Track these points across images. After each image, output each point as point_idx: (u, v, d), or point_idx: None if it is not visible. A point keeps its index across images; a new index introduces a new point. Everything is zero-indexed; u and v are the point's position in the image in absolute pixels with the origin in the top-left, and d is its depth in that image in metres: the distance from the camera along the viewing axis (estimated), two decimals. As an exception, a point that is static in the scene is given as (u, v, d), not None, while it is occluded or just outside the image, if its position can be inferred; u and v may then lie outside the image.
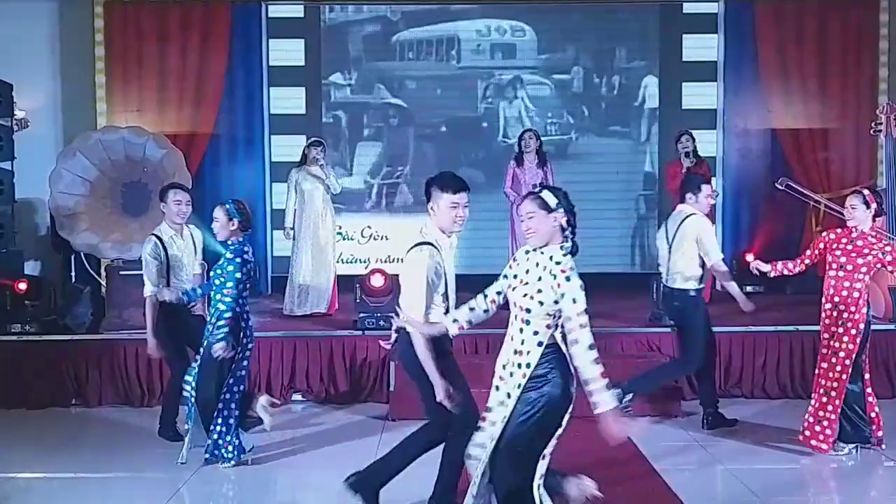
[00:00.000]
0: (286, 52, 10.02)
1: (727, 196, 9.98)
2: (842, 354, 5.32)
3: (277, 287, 9.65)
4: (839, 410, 5.34)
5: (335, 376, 7.00)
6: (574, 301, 3.47)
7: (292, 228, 8.02)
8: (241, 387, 5.39)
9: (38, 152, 8.47)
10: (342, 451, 5.77)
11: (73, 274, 8.42)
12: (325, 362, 7.02)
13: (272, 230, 9.94)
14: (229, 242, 5.31)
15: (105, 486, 5.19)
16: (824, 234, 5.56)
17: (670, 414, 6.45)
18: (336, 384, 6.99)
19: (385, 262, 9.62)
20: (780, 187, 8.04)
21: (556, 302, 3.50)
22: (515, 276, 3.69)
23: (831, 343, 5.37)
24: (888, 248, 5.28)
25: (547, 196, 3.63)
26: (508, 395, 3.61)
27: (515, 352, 3.60)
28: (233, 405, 5.31)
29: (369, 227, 10.12)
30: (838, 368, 5.32)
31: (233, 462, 5.31)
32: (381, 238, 10.10)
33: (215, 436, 5.29)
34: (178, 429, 5.87)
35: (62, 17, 9.42)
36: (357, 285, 7.30)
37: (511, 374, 3.61)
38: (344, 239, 9.75)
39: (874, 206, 5.30)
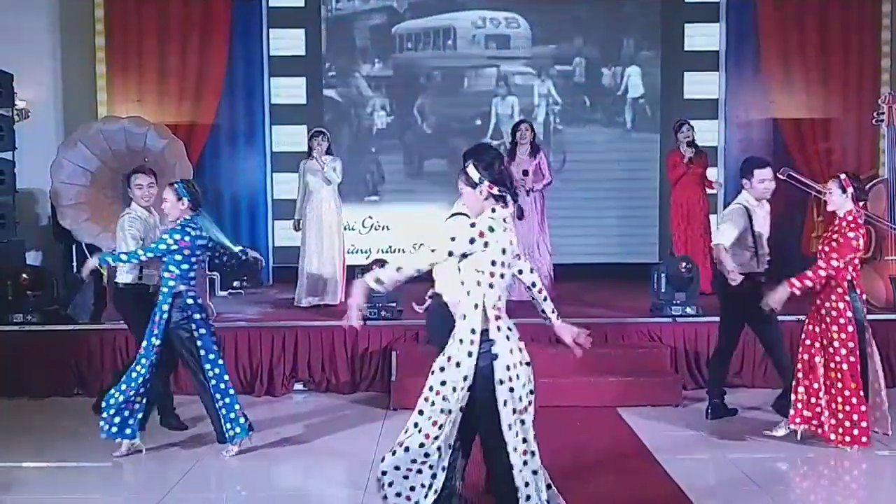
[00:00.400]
0: (287, 41, 10.01)
1: (728, 186, 9.96)
2: (836, 344, 5.30)
3: (279, 277, 9.68)
4: (856, 397, 5.27)
5: (336, 366, 7.01)
6: (446, 234, 3.58)
7: (299, 219, 8.01)
8: (222, 361, 5.39)
9: (39, 142, 8.47)
10: (343, 440, 5.79)
11: (74, 264, 8.42)
12: (326, 352, 7.03)
13: (273, 220, 9.95)
14: (178, 222, 5.27)
15: (107, 475, 5.21)
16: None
17: (671, 403, 6.46)
18: (337, 374, 7.00)
19: (386, 252, 9.62)
20: (781, 177, 8.02)
21: (469, 253, 3.54)
22: None
23: (815, 331, 5.37)
24: (833, 243, 5.23)
25: (471, 171, 3.64)
26: (458, 364, 3.58)
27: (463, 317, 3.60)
28: (225, 377, 5.34)
29: (370, 217, 10.12)
30: (837, 359, 5.30)
31: (246, 435, 5.36)
32: (383, 228, 10.09)
33: (224, 410, 5.31)
34: (179, 415, 5.92)
35: (63, 7, 9.40)
36: (359, 275, 7.28)
37: (460, 342, 3.58)
38: (346, 229, 9.73)
39: (851, 189, 5.28)
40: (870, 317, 6.83)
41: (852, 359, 5.28)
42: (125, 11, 9.37)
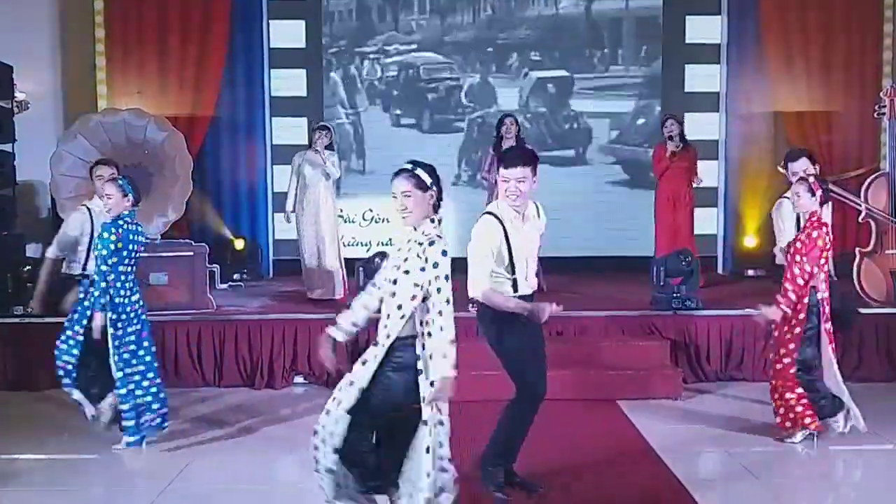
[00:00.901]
0: (287, 33, 9.99)
1: (729, 179, 9.97)
2: (788, 337, 5.29)
3: (279, 270, 9.68)
4: (790, 391, 5.29)
5: (336, 359, 6.99)
6: (435, 265, 3.49)
7: (293, 212, 8.00)
8: (135, 359, 5.34)
9: (38, 135, 8.47)
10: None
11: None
12: (326, 345, 7.02)
13: (273, 212, 9.94)
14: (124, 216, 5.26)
15: (107, 467, 5.21)
16: None
17: (671, 396, 6.47)
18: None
19: (387, 245, 9.61)
20: (782, 171, 8.03)
21: (422, 269, 3.51)
22: (391, 257, 3.72)
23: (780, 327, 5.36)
24: (799, 245, 5.20)
25: (422, 174, 3.61)
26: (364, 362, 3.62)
27: (384, 326, 3.60)
28: (131, 381, 5.30)
29: (371, 209, 10.12)
30: (782, 351, 5.32)
31: (133, 445, 5.35)
32: (383, 221, 10.09)
33: (127, 414, 5.29)
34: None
35: (62, -1, 9.40)
36: (360, 268, 7.29)
37: (381, 345, 3.60)
38: (346, 222, 9.75)
39: (819, 192, 5.27)
40: (870, 311, 6.92)
41: (792, 346, 5.27)
42: (125, 3, 9.38)
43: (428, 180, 3.61)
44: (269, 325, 7.07)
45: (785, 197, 5.70)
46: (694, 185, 8.33)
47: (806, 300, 5.23)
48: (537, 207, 4.44)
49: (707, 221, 9.51)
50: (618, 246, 9.84)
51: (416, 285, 3.53)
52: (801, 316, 5.24)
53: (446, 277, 3.49)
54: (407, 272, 3.55)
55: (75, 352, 5.40)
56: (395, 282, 3.58)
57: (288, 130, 9.85)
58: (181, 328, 7.02)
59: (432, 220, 3.63)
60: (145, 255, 7.05)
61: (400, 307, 3.56)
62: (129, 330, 5.34)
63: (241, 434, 5.66)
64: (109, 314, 5.24)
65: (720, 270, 9.65)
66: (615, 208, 9.98)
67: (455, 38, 10.16)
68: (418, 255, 3.54)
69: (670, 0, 10.07)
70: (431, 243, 3.53)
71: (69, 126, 8.58)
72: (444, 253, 3.52)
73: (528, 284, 4.32)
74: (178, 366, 6.96)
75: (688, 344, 7.01)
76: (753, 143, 9.85)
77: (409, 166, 3.65)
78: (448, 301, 3.48)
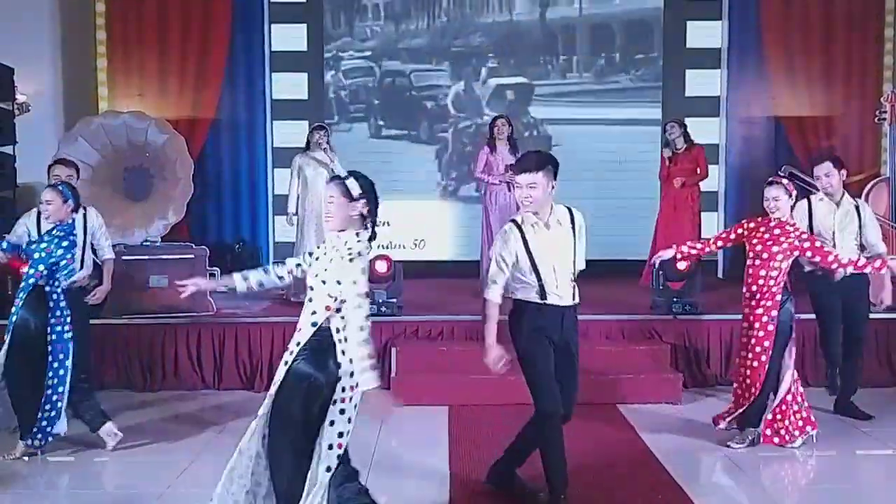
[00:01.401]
0: (288, 36, 10.00)
1: (729, 184, 9.98)
2: (758, 349, 5.28)
3: (279, 273, 9.66)
4: (776, 402, 5.33)
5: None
6: (354, 283, 3.47)
7: (295, 214, 7.99)
8: (69, 364, 5.16)
9: (39, 137, 8.45)
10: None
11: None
12: (326, 347, 7.02)
13: (274, 216, 9.95)
14: (65, 224, 5.13)
15: (107, 468, 5.21)
16: (744, 220, 5.47)
17: (671, 400, 6.46)
18: (337, 369, 6.99)
19: (387, 247, 9.61)
20: (782, 175, 8.04)
21: (338, 283, 3.49)
22: (315, 257, 3.68)
23: (749, 332, 5.33)
24: (804, 235, 5.23)
25: (351, 184, 3.60)
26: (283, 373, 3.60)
27: (298, 329, 3.61)
28: (62, 387, 5.13)
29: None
30: (754, 364, 5.29)
31: (39, 447, 5.20)
32: (383, 224, 10.03)
33: (45, 422, 5.11)
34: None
35: (63, 1, 9.38)
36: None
37: (290, 352, 3.62)
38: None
39: (794, 193, 5.30)
40: (870, 316, 6.91)
41: (763, 358, 5.26)
42: (126, 5, 9.40)
43: (356, 192, 3.58)
44: (268, 327, 7.07)
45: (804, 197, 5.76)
46: (676, 185, 8.30)
47: (779, 298, 5.22)
48: (571, 213, 4.32)
49: (708, 225, 9.50)
50: (614, 250, 9.84)
51: (330, 296, 3.52)
52: (774, 313, 5.22)
53: (365, 294, 3.47)
54: (324, 282, 3.53)
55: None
56: (312, 289, 3.57)
57: (289, 133, 9.84)
58: (181, 331, 7.02)
59: (358, 233, 3.58)
60: (146, 257, 7.15)
61: (314, 313, 3.56)
62: (66, 340, 5.15)
63: (241, 436, 5.64)
64: (67, 314, 5.13)
65: (720, 275, 9.65)
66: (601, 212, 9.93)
67: (409, 45, 10.15)
68: (336, 269, 3.51)
69: (671, 4, 10.08)
70: (351, 260, 3.50)
71: (70, 128, 8.59)
72: (364, 272, 3.50)
73: (559, 294, 4.21)
74: (177, 368, 6.96)
75: (688, 348, 7.01)
76: (754, 147, 9.86)
77: (343, 175, 3.68)
78: (361, 325, 3.44)
